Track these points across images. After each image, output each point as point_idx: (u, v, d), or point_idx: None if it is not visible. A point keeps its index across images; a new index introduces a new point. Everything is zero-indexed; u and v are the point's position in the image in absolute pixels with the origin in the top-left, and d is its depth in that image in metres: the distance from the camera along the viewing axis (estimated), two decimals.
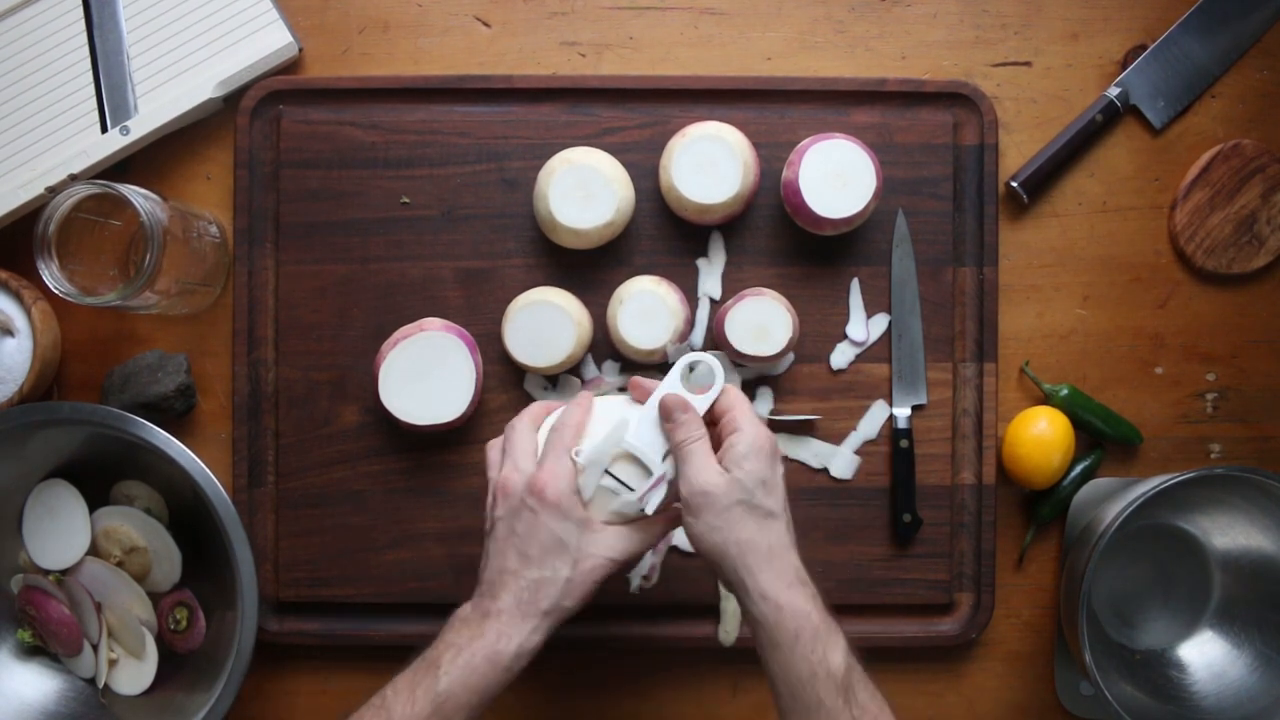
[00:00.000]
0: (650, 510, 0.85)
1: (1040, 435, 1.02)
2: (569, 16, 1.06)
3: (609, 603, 1.02)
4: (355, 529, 1.03)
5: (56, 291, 0.93)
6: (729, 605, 1.02)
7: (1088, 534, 0.99)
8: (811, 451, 1.03)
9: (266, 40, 1.03)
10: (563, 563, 0.82)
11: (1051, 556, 1.07)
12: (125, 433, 0.97)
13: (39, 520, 1.02)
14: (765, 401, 1.04)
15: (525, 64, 1.06)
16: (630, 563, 0.85)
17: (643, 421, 0.86)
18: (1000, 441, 1.04)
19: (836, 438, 1.04)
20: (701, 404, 0.86)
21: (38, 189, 1.00)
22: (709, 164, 0.98)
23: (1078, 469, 1.05)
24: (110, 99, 1.02)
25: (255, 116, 1.03)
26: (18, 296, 1.00)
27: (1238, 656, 1.03)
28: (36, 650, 1.04)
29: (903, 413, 1.03)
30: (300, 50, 1.05)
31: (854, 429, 1.04)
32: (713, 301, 1.04)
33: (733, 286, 1.03)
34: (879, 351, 1.04)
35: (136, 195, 0.93)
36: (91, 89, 1.02)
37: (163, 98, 1.02)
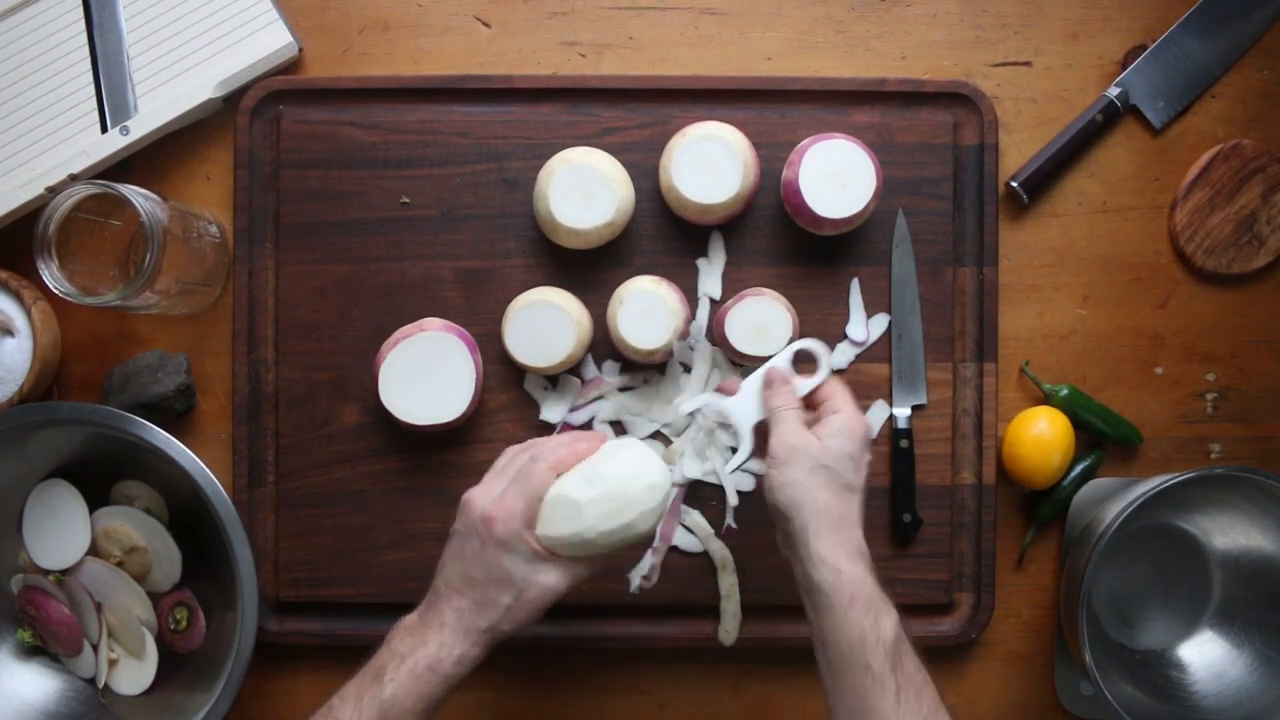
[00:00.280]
0: (728, 470, 0.93)
1: (1040, 435, 1.02)
2: (569, 16, 1.06)
3: (609, 603, 1.02)
4: (355, 529, 1.03)
5: (56, 291, 0.92)
6: (729, 605, 1.02)
7: (1088, 534, 0.99)
8: None
9: (266, 40, 1.03)
10: (505, 592, 0.84)
11: (1051, 556, 1.06)
12: (125, 433, 0.97)
13: (39, 520, 1.02)
14: None
15: (525, 64, 1.06)
16: (572, 590, 0.86)
17: (742, 395, 0.93)
18: (1000, 441, 1.04)
19: None
20: (803, 386, 0.91)
21: (38, 189, 1.00)
22: (709, 164, 0.98)
23: (1078, 469, 1.05)
24: (110, 99, 1.02)
25: (255, 116, 1.03)
26: (18, 296, 1.00)
27: (1238, 656, 1.03)
28: (36, 650, 1.04)
29: (903, 413, 1.03)
30: (300, 50, 1.05)
31: None
32: (713, 301, 1.04)
33: (733, 286, 1.03)
34: (879, 351, 1.04)
35: (136, 195, 0.93)
36: (91, 89, 1.02)
37: (163, 98, 1.02)
